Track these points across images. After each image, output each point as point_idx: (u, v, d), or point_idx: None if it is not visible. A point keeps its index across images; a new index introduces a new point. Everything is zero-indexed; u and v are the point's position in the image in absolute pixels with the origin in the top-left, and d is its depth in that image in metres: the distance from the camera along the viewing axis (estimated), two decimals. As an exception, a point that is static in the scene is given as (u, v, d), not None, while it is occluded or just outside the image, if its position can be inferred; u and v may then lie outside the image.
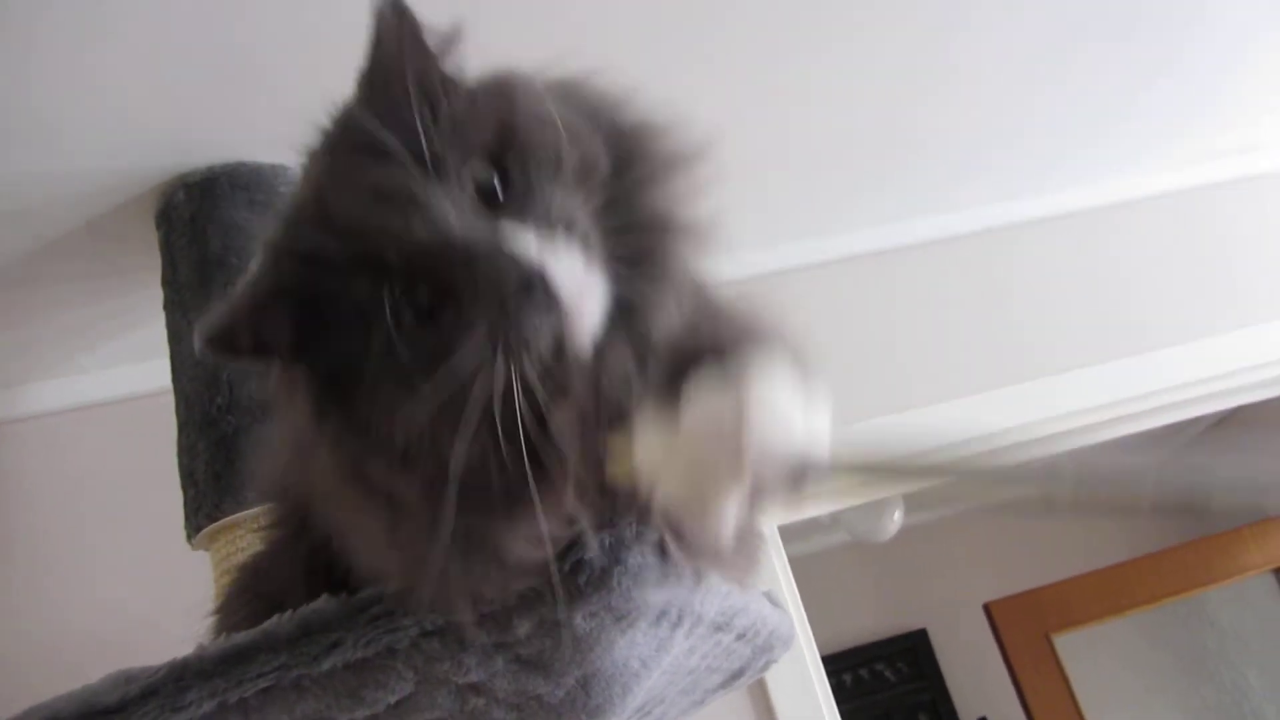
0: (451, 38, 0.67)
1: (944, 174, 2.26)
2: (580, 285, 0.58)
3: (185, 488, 1.44)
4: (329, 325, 0.61)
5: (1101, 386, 2.28)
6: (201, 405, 1.43)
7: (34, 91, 1.36)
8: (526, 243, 0.57)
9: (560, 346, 0.58)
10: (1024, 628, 3.93)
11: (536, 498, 0.58)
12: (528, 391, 0.57)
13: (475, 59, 0.68)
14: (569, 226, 0.59)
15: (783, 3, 1.58)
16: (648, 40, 1.57)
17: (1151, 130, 2.36)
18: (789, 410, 0.60)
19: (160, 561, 1.67)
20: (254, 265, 0.64)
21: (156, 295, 1.62)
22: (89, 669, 0.82)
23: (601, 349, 0.60)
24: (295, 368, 0.63)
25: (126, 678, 0.79)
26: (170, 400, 1.55)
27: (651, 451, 0.60)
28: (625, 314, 0.61)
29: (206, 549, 1.42)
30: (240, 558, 1.34)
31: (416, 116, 0.60)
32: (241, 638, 0.78)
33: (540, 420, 0.58)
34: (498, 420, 0.56)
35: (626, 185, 0.64)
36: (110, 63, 1.35)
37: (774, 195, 2.09)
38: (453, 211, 0.57)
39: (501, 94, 0.65)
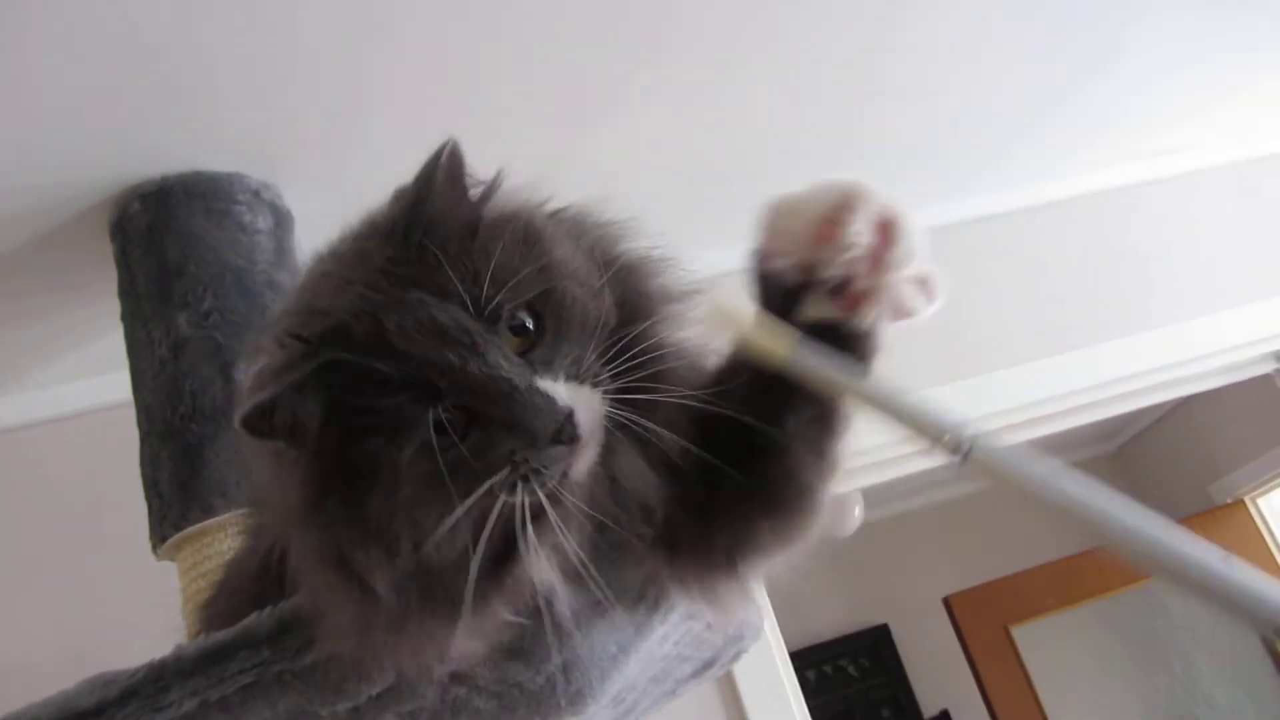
0: (496, 184, 0.74)
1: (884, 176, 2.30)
2: (593, 426, 0.67)
3: (149, 498, 1.43)
4: (353, 427, 0.65)
5: (1044, 382, 2.33)
6: (164, 415, 1.42)
7: (-16, 103, 1.35)
8: (558, 390, 0.65)
9: (567, 473, 0.67)
10: (983, 620, 3.99)
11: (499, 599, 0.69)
12: (535, 511, 0.66)
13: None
14: (587, 373, 0.68)
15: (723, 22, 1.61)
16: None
17: (1085, 128, 2.42)
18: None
19: (126, 574, 1.65)
20: (279, 347, 0.67)
21: (112, 308, 1.61)
22: (59, 684, 0.82)
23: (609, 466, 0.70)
24: (304, 452, 0.67)
25: (104, 681, 0.79)
26: (129, 413, 1.54)
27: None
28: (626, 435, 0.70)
29: (172, 559, 1.41)
30: (208, 566, 1.34)
31: (474, 262, 0.67)
32: (221, 636, 0.78)
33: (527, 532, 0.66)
34: (509, 527, 0.65)
35: (626, 318, 0.73)
36: (58, 71, 1.34)
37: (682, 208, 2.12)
38: (502, 355, 0.65)
39: (538, 247, 0.70)
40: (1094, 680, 4.03)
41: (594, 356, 0.69)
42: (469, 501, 0.64)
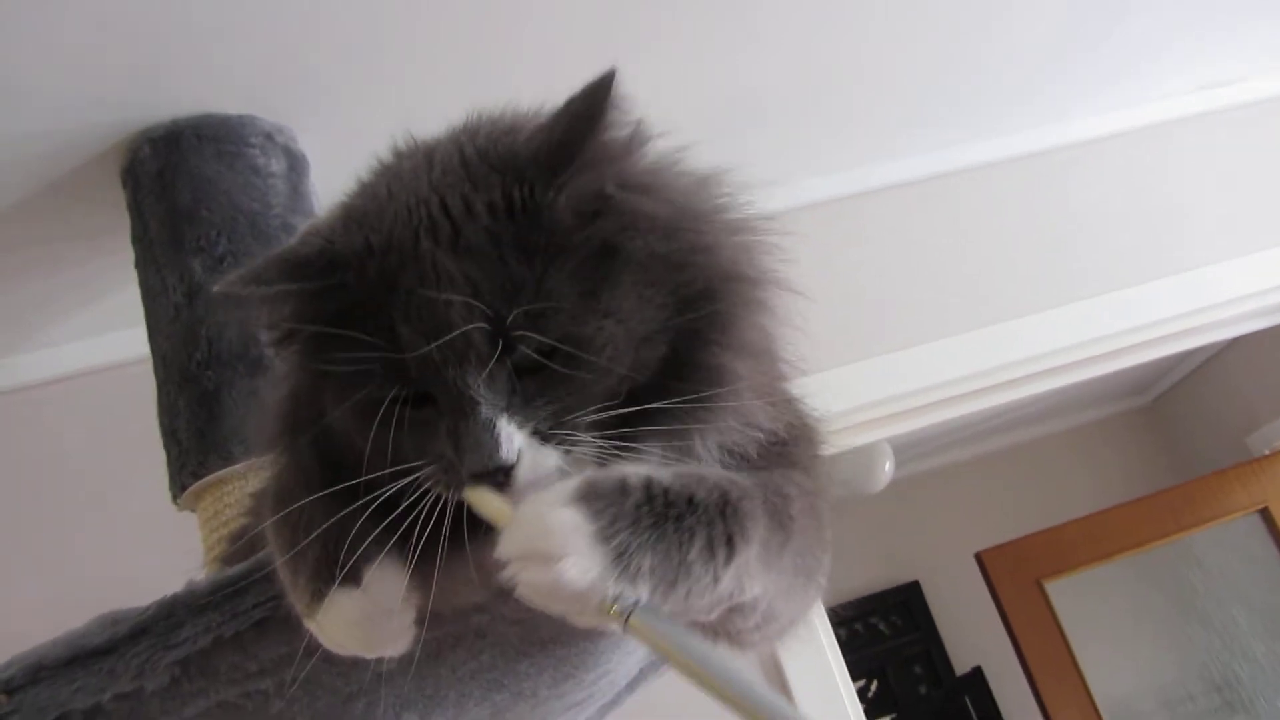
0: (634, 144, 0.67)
1: (897, 119, 2.24)
2: (536, 483, 0.61)
3: (168, 447, 1.40)
4: (327, 340, 0.64)
5: (1073, 327, 2.26)
6: (180, 362, 1.39)
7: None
8: (511, 440, 0.61)
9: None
10: (1015, 575, 3.93)
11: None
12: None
13: None
14: (565, 432, 0.63)
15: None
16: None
17: (1119, 65, 2.33)
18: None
19: (145, 531, 1.63)
20: (312, 234, 0.67)
21: (125, 261, 1.57)
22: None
23: None
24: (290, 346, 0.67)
25: (114, 619, 0.76)
26: (147, 369, 1.51)
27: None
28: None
29: (192, 509, 1.38)
30: (228, 515, 1.31)
31: (530, 272, 0.61)
32: (234, 570, 0.75)
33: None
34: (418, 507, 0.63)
35: (682, 371, 0.66)
36: (63, 14, 1.29)
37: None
38: (485, 381, 0.61)
39: (602, 273, 0.63)
40: (1129, 635, 3.98)
41: (593, 413, 0.63)
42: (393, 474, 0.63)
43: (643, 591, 0.56)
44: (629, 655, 0.93)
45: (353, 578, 0.67)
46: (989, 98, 2.27)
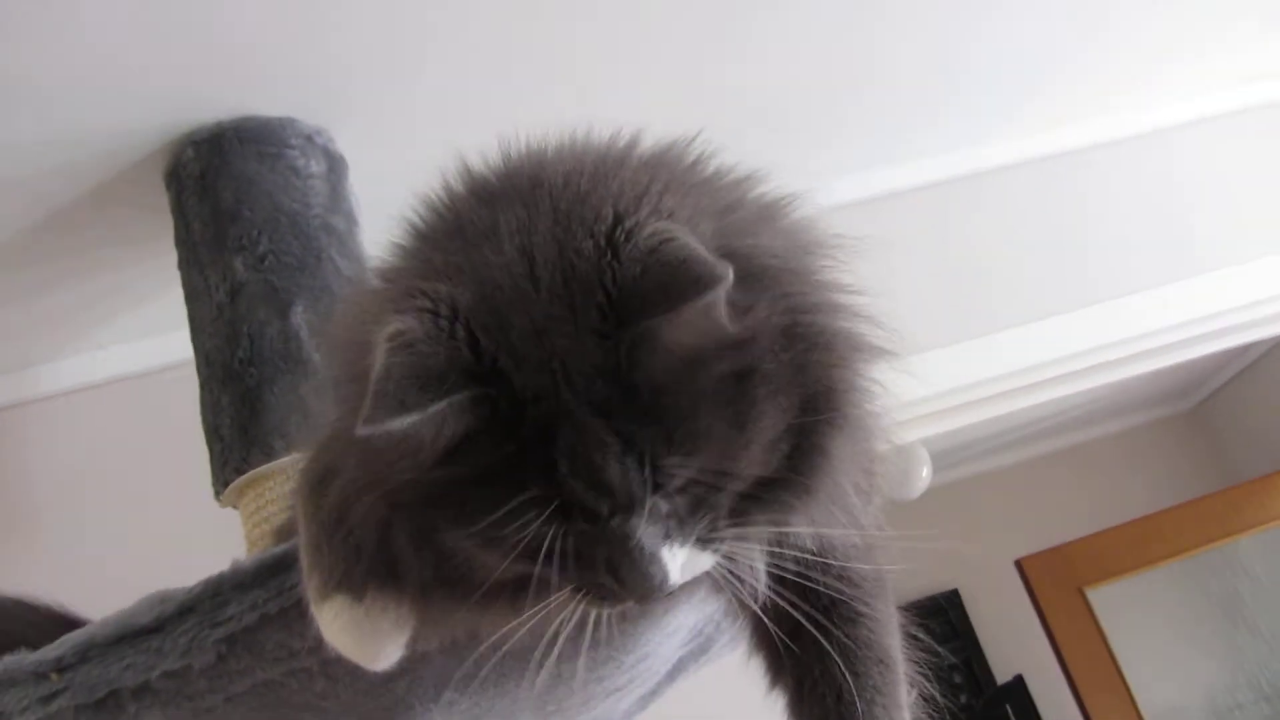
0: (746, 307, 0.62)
1: (900, 123, 2.23)
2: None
3: (211, 444, 1.42)
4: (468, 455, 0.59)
5: (1095, 328, 2.24)
6: (223, 360, 1.41)
7: (31, 55, 1.34)
8: (675, 562, 0.61)
9: None
10: (1056, 582, 3.88)
11: None
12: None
13: None
14: (713, 536, 0.63)
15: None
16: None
17: (1131, 65, 2.31)
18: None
19: (190, 531, 1.65)
20: (434, 323, 0.59)
21: (169, 264, 1.60)
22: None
23: None
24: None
25: (162, 598, 0.77)
26: (191, 373, 1.53)
27: None
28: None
29: (235, 505, 1.40)
30: (271, 510, 1.32)
31: (675, 409, 0.59)
32: (278, 550, 0.75)
33: None
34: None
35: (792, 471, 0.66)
36: (108, 21, 1.32)
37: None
38: (645, 519, 0.59)
39: (740, 405, 0.61)
40: (1175, 643, 3.91)
41: (727, 514, 0.64)
42: (540, 606, 0.64)
43: None
44: (669, 638, 0.93)
45: (357, 589, 0.68)
46: (1012, 94, 2.25)
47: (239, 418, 1.37)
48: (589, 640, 0.66)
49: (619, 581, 0.60)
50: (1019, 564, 3.95)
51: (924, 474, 3.61)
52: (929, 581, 4.36)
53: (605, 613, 0.64)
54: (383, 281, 0.68)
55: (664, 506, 0.60)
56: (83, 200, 1.61)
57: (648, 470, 0.58)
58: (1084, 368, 2.24)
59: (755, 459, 0.62)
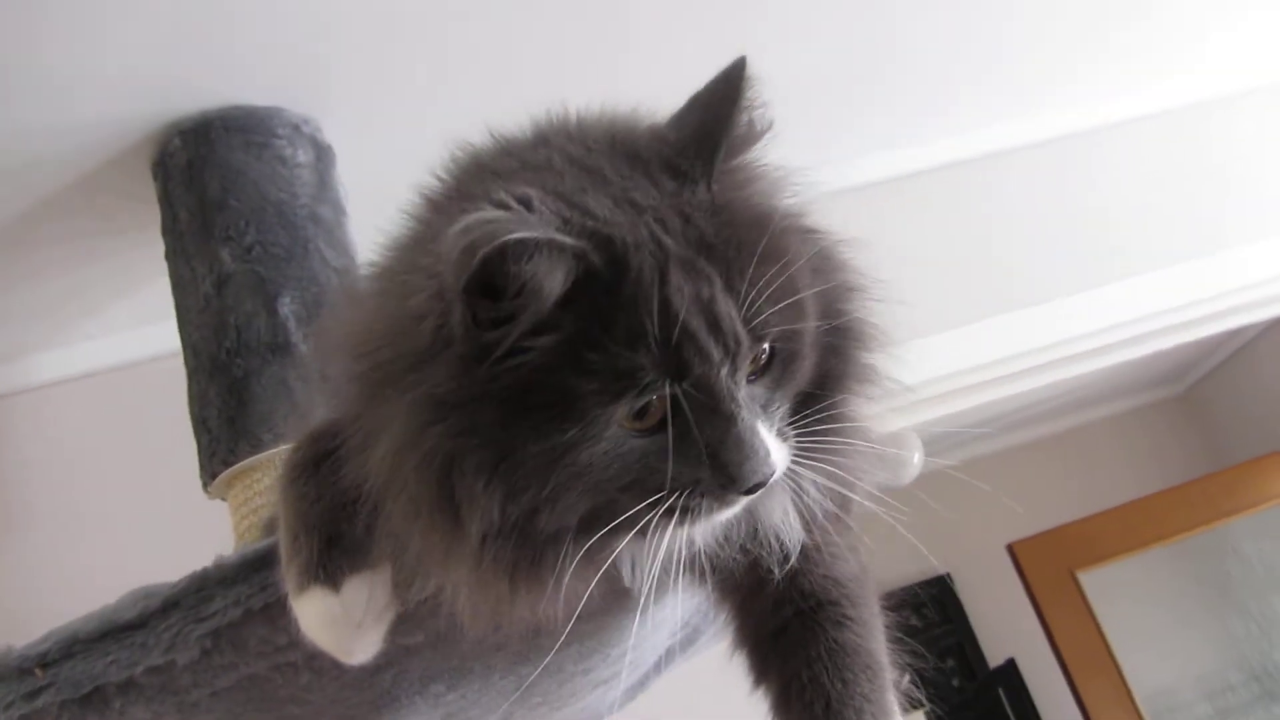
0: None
1: (916, 101, 2.22)
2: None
3: (198, 435, 1.42)
4: (561, 349, 0.58)
5: (1095, 312, 2.24)
6: (210, 351, 1.40)
7: (17, 43, 1.33)
8: (772, 443, 0.62)
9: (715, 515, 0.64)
10: (1048, 566, 3.90)
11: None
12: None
13: None
14: (786, 428, 0.66)
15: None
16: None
17: (1145, 48, 2.30)
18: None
19: (178, 524, 1.65)
20: (525, 209, 0.58)
21: (156, 254, 1.59)
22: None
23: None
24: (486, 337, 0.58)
25: (146, 593, 0.76)
26: (178, 364, 1.52)
27: None
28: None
29: (223, 497, 1.40)
30: (258, 502, 1.32)
31: (764, 267, 0.61)
32: (262, 545, 0.75)
33: None
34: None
35: (822, 381, 0.70)
36: (95, 9, 1.31)
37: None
38: (745, 379, 0.61)
39: (802, 280, 0.64)
40: (1167, 626, 3.93)
41: (789, 411, 0.66)
42: (632, 511, 0.60)
43: None
44: (656, 630, 0.93)
45: (335, 580, 0.68)
46: (1022, 77, 2.25)
47: (226, 409, 1.36)
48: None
49: (720, 457, 0.59)
50: (1011, 548, 3.97)
51: (916, 460, 3.63)
52: (921, 566, 4.36)
53: (686, 527, 0.62)
54: (401, 254, 0.68)
55: (751, 392, 0.62)
56: (69, 190, 1.60)
57: (746, 312, 0.59)
58: (1081, 351, 2.25)
59: (813, 349, 0.65)
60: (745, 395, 0.60)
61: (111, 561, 1.80)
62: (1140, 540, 3.91)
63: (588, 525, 0.61)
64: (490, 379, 0.58)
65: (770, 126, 0.67)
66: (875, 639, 0.82)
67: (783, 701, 0.79)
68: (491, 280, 0.54)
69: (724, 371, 0.58)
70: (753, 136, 0.66)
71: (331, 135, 1.64)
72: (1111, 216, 2.36)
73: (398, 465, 0.61)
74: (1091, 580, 3.91)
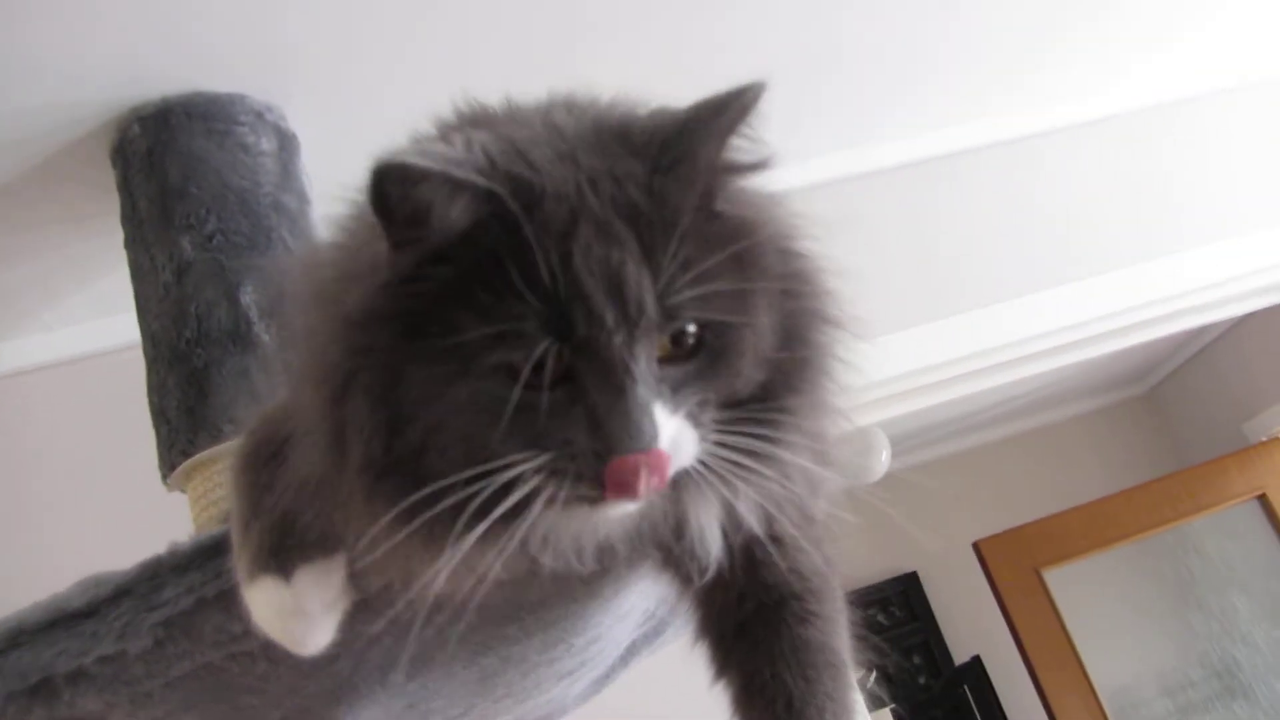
0: (763, 163, 0.66)
1: (871, 101, 2.23)
2: (669, 468, 0.59)
3: (157, 426, 1.39)
4: (459, 283, 0.57)
5: (1053, 311, 2.25)
6: (169, 340, 1.38)
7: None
8: (667, 426, 0.58)
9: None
10: (1014, 564, 3.93)
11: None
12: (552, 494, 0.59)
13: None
14: (703, 421, 0.62)
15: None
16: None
17: (1102, 49, 2.32)
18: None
19: (137, 517, 1.62)
20: (462, 143, 0.59)
21: (116, 243, 1.56)
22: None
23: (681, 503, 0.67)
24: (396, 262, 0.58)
25: (96, 581, 0.75)
26: (138, 355, 1.50)
27: None
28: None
29: (182, 489, 1.37)
30: (218, 494, 1.30)
31: (695, 247, 0.59)
32: (217, 532, 0.74)
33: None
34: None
35: (772, 391, 0.67)
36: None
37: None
38: (646, 353, 0.58)
39: (751, 274, 0.62)
40: (1128, 622, 3.98)
41: (716, 408, 0.63)
42: (499, 461, 0.57)
43: None
44: (620, 621, 0.92)
45: (286, 569, 0.67)
46: (979, 77, 2.26)
47: (186, 399, 1.34)
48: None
49: (601, 425, 0.56)
50: (977, 546, 4.00)
51: (883, 458, 3.64)
52: (888, 564, 4.40)
53: (568, 491, 0.59)
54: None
55: (660, 345, 0.59)
56: (26, 177, 1.57)
57: (661, 287, 0.57)
58: (1036, 351, 2.26)
59: (751, 355, 0.63)
60: (646, 371, 0.57)
61: (69, 556, 1.76)
62: (1104, 539, 3.95)
63: (474, 482, 0.58)
64: (393, 300, 0.58)
65: (768, 160, 0.66)
66: (839, 635, 0.81)
67: (744, 697, 0.78)
68: (387, 202, 0.55)
69: (618, 339, 0.56)
70: (745, 165, 0.65)
71: (296, 123, 1.62)
72: (1065, 219, 2.37)
73: (303, 389, 0.61)
74: (1056, 578, 3.95)
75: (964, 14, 1.99)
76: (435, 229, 0.56)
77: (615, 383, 0.56)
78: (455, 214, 0.56)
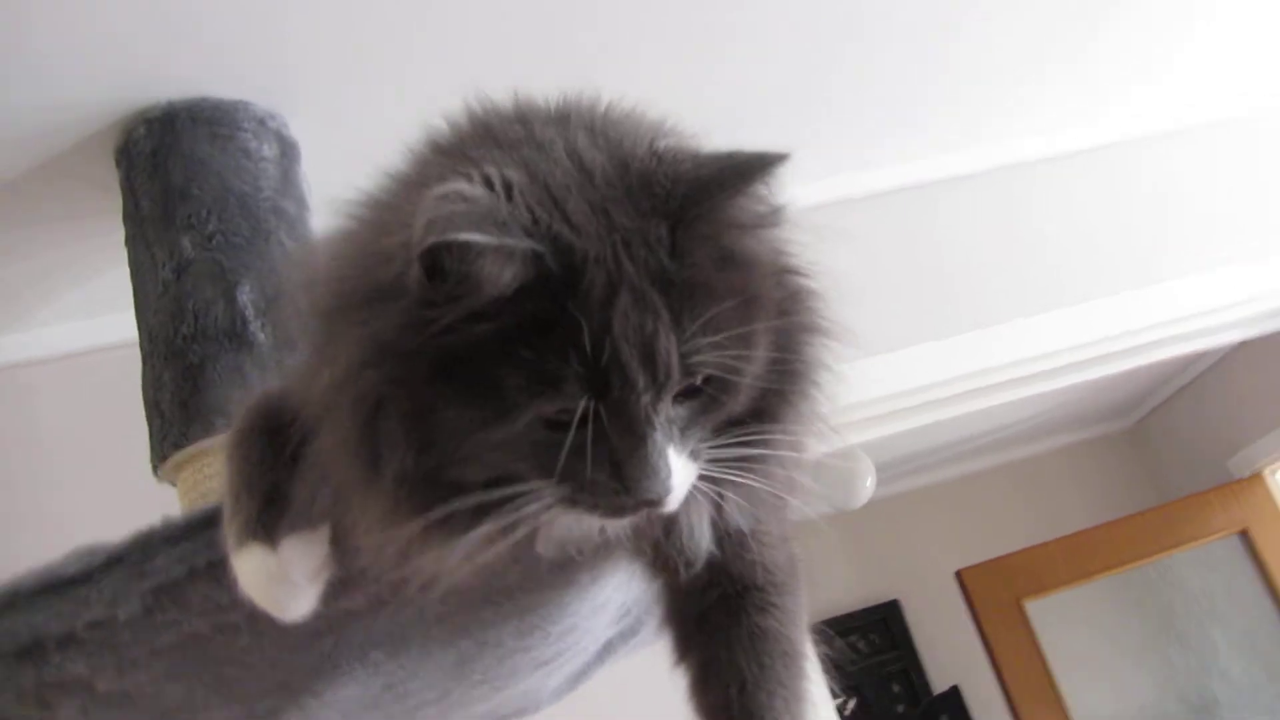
0: (779, 217, 0.69)
1: (864, 130, 2.28)
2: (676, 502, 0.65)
3: (150, 419, 1.42)
4: (499, 336, 0.60)
5: (1044, 335, 2.29)
6: (166, 336, 1.41)
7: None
8: (676, 468, 0.63)
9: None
10: (995, 594, 3.95)
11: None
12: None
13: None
14: (700, 450, 0.66)
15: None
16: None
17: (1098, 79, 2.37)
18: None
19: (130, 512, 1.64)
20: (498, 193, 0.61)
21: (115, 242, 1.59)
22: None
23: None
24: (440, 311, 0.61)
25: (90, 550, 0.78)
26: (134, 353, 1.52)
27: None
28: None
29: (173, 481, 1.40)
30: (208, 486, 1.32)
31: (711, 304, 0.63)
32: (209, 505, 0.77)
33: None
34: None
35: (760, 412, 0.71)
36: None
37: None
38: (668, 408, 0.63)
39: (752, 317, 0.66)
40: (1108, 655, 3.99)
41: (711, 434, 0.68)
42: (522, 486, 0.63)
43: None
44: (596, 612, 0.95)
45: (273, 538, 0.70)
46: (973, 106, 2.31)
47: (180, 393, 1.37)
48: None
49: (620, 471, 0.61)
50: (959, 575, 4.02)
51: (868, 484, 3.66)
52: (870, 592, 4.41)
53: (579, 511, 0.64)
54: (392, 189, 0.69)
55: (672, 411, 0.64)
56: (31, 174, 1.60)
57: (685, 348, 0.61)
58: (1034, 373, 2.29)
59: (749, 382, 0.67)
60: (664, 418, 0.62)
61: (62, 545, 1.78)
62: (1086, 570, 3.98)
63: (489, 488, 0.64)
64: (428, 342, 0.60)
65: (780, 213, 0.69)
66: (797, 627, 0.85)
67: (700, 681, 0.81)
68: (439, 264, 0.58)
69: (646, 399, 0.61)
70: (759, 218, 0.68)
71: (297, 131, 1.65)
72: (1053, 247, 2.41)
73: (335, 399, 0.64)
74: (1037, 609, 3.96)
75: (961, 44, 2.04)
76: (484, 294, 0.58)
77: (638, 432, 0.61)
78: (505, 280, 0.58)
